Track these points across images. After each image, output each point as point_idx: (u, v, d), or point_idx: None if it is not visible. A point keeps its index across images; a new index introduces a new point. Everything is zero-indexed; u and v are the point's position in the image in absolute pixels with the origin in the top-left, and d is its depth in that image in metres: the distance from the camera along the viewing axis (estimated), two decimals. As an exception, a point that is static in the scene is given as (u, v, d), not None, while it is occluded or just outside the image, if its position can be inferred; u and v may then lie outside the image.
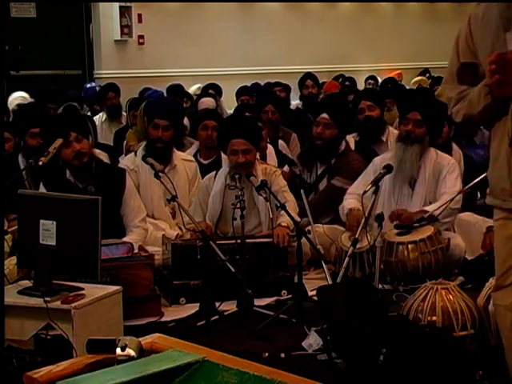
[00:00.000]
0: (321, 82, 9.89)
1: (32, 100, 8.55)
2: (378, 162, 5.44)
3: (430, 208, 5.14)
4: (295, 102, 9.79)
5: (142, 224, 5.06)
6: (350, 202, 5.35)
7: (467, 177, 5.59)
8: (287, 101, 9.16)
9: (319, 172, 5.84)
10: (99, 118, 8.69)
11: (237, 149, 5.11)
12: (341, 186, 5.63)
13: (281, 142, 7.09)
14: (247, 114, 6.62)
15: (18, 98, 8.62)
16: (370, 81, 11.45)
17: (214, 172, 5.42)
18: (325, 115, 5.80)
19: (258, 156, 6.10)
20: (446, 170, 5.31)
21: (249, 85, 9.69)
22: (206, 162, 6.09)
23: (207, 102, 8.05)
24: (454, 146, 6.10)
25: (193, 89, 9.89)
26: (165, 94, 8.95)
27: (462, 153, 6.04)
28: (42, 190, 4.90)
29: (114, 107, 8.69)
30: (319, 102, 7.32)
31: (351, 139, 6.45)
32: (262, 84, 10.14)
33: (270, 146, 6.52)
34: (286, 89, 9.37)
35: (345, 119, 5.93)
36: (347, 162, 5.77)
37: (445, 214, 5.12)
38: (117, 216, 4.96)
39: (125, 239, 4.80)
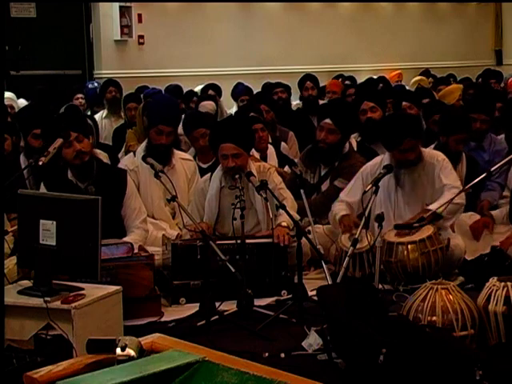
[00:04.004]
0: (321, 84, 9.86)
1: (13, 99, 8.54)
2: (368, 169, 5.41)
3: (433, 207, 5.10)
4: (295, 103, 9.76)
5: (143, 225, 5.08)
6: (339, 208, 5.34)
7: (469, 177, 5.57)
8: (288, 101, 9.14)
9: (322, 173, 5.82)
10: (100, 115, 8.69)
11: (226, 153, 5.04)
12: (343, 188, 5.63)
13: (283, 143, 7.09)
14: (252, 114, 6.61)
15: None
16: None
17: (209, 174, 5.38)
18: (328, 121, 5.78)
19: (258, 156, 6.11)
20: (439, 166, 5.28)
21: (246, 84, 9.69)
22: (205, 166, 6.07)
23: (208, 106, 8.00)
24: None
25: (197, 89, 9.86)
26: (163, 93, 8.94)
27: (463, 153, 5.99)
28: (43, 190, 4.90)
29: (114, 99, 8.74)
30: (322, 106, 7.23)
31: (353, 139, 6.45)
32: (261, 84, 10.13)
33: (270, 147, 6.52)
34: (287, 89, 9.37)
35: (348, 124, 5.91)
36: (350, 164, 5.74)
37: (450, 209, 5.08)
38: (118, 217, 4.97)
39: (125, 239, 4.81)
